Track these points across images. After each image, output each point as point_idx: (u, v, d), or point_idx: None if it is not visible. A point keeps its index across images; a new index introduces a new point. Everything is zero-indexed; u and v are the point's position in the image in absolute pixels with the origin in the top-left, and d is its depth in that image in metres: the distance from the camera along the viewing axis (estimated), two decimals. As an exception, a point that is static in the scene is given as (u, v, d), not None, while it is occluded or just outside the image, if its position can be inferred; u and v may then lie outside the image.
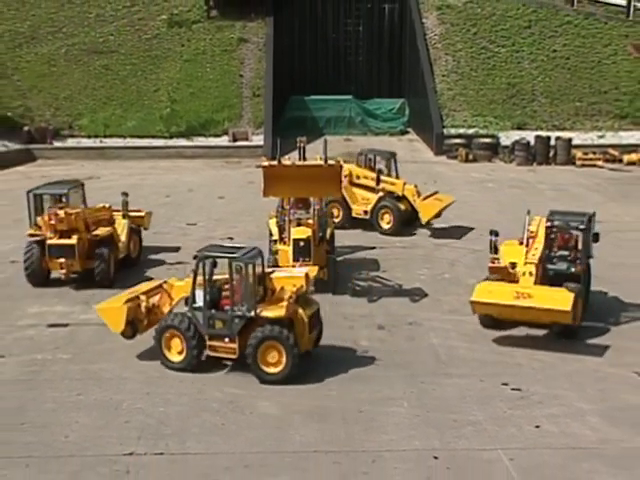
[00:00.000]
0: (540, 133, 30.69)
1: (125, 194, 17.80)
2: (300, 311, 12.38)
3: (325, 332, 14.39)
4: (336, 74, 36.69)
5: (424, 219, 20.39)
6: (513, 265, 14.14)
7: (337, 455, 10.41)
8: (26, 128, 30.83)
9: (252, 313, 12.14)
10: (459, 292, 15.90)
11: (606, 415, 11.44)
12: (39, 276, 16.37)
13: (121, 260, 17.25)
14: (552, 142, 29.99)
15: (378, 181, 20.45)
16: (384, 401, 11.79)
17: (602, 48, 34.69)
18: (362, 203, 20.83)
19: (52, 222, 16.04)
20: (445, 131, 31.28)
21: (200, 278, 12.39)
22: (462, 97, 33.19)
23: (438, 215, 20.65)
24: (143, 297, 13.13)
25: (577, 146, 30.16)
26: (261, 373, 12.22)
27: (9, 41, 35.10)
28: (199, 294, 12.42)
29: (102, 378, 12.53)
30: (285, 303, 12.18)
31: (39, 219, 16.60)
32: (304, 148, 17.40)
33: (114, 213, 17.90)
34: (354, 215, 20.91)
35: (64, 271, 16.29)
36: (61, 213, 16.03)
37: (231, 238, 20.27)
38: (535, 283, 13.88)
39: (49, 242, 16.15)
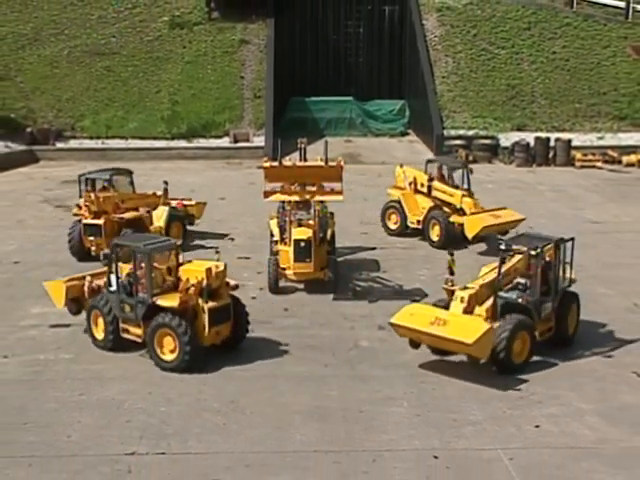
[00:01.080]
0: (540, 134, 30.78)
1: (165, 182, 19.26)
2: (200, 303, 12.61)
3: (326, 332, 14.46)
4: (336, 76, 36.78)
5: (469, 234, 18.81)
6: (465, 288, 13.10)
7: (337, 455, 10.47)
8: (29, 129, 30.94)
9: (150, 301, 12.70)
10: (459, 293, 15.93)
11: (605, 415, 11.50)
12: (80, 252, 18.05)
13: None
14: (552, 143, 30.08)
15: (429, 190, 19.74)
16: (384, 401, 11.85)
17: (601, 50, 34.78)
18: (419, 212, 19.84)
19: (86, 204, 18.00)
20: (445, 132, 31.36)
21: (121, 264, 13.16)
22: (462, 98, 33.27)
23: (501, 232, 18.68)
24: (89, 278, 13.87)
25: (576, 147, 30.25)
26: (158, 360, 12.66)
27: (12, 43, 35.22)
28: (114, 279, 13.21)
29: (104, 378, 12.59)
30: (180, 294, 12.57)
31: (81, 201, 18.41)
32: (305, 149, 17.48)
33: (170, 201, 19.42)
34: (408, 223, 20.10)
35: (94, 248, 17.78)
36: (92, 196, 17.86)
37: (232, 239, 20.37)
38: (485, 312, 12.72)
39: (83, 221, 18.01)
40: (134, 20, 36.55)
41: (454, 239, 19.10)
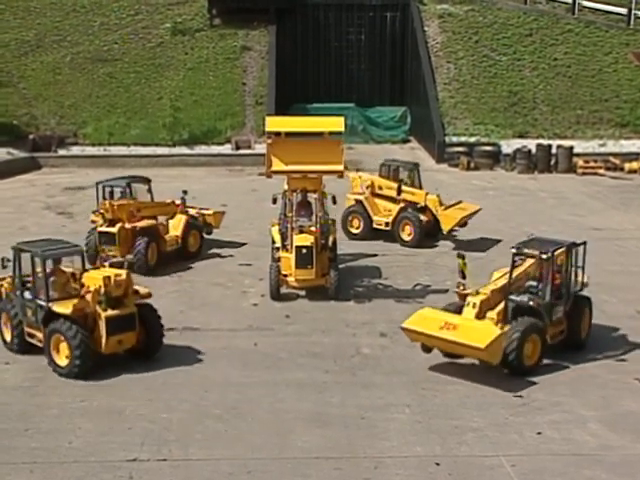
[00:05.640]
0: (541, 141, 30.79)
1: (184, 192, 19.30)
2: (99, 311, 12.64)
3: (327, 339, 14.45)
4: (338, 82, 36.86)
5: (445, 228, 19.97)
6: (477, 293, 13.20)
7: (339, 461, 10.46)
8: (31, 136, 31.01)
9: (46, 306, 12.81)
10: (461, 299, 15.93)
11: (607, 422, 11.48)
12: (94, 259, 17.73)
13: (174, 252, 18.60)
14: (553, 150, 30.09)
15: (399, 191, 20.16)
16: (386, 407, 11.84)
17: (603, 56, 34.81)
18: (384, 214, 20.48)
19: (101, 211, 18.13)
20: (447, 139, 31.38)
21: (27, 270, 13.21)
22: (463, 105, 33.31)
23: (463, 224, 20.25)
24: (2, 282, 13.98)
25: (578, 154, 30.23)
26: (54, 365, 12.75)
27: (15, 49, 35.34)
28: (18, 283, 13.43)
29: (105, 384, 12.59)
30: (75, 300, 12.65)
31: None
32: None
33: (189, 209, 19.50)
34: (375, 226, 20.51)
35: (106, 255, 17.66)
36: (107, 204, 17.94)
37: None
38: (497, 316, 12.83)
39: (98, 229, 18.02)
40: (136, 27, 36.67)
41: (424, 237, 19.97)
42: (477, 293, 13.15)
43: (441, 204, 20.25)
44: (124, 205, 18.15)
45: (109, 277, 12.75)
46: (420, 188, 20.80)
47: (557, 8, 36.92)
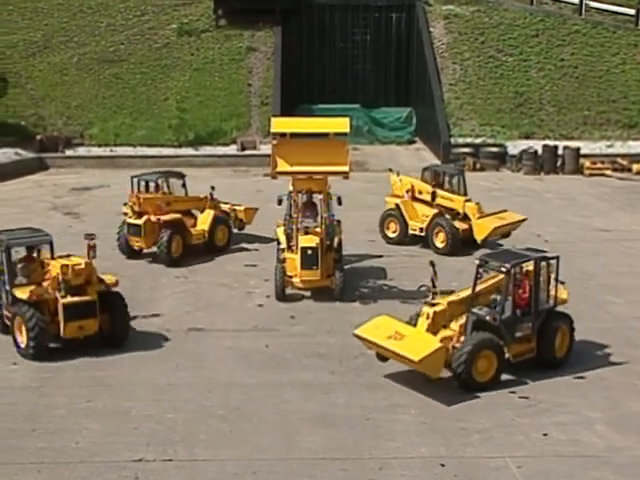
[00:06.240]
0: (547, 142, 30.71)
1: (212, 188, 19.81)
2: (58, 297, 13.35)
3: (332, 340, 14.45)
4: (343, 83, 36.83)
5: (478, 238, 19.12)
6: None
7: (344, 462, 10.46)
8: (39, 137, 31.14)
9: (10, 291, 13.67)
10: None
11: (614, 423, 11.45)
12: (126, 250, 18.93)
13: (201, 246, 19.20)
14: (560, 151, 30.00)
15: (433, 197, 19.59)
16: (391, 408, 11.83)
17: (610, 57, 34.68)
18: (421, 219, 19.80)
19: (130, 204, 18.88)
20: (452, 140, 31.32)
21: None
22: (469, 106, 33.26)
23: (505, 235, 19.51)
24: None
25: (585, 155, 30.13)
26: (16, 345, 13.53)
27: (23, 50, 35.46)
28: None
29: (112, 385, 12.64)
30: (33, 287, 13.45)
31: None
32: None
33: (222, 205, 20.11)
34: (410, 231, 19.94)
35: (138, 245, 18.79)
36: (135, 197, 18.74)
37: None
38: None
39: (127, 220, 18.85)
40: (142, 27, 36.76)
41: (459, 245, 19.19)
42: (432, 305, 12.75)
43: (480, 212, 19.52)
44: (150, 198, 18.88)
45: (67, 266, 13.45)
46: (464, 194, 19.98)
47: (564, 9, 36.79)
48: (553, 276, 13.05)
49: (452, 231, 19.28)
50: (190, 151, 31.35)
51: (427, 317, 12.59)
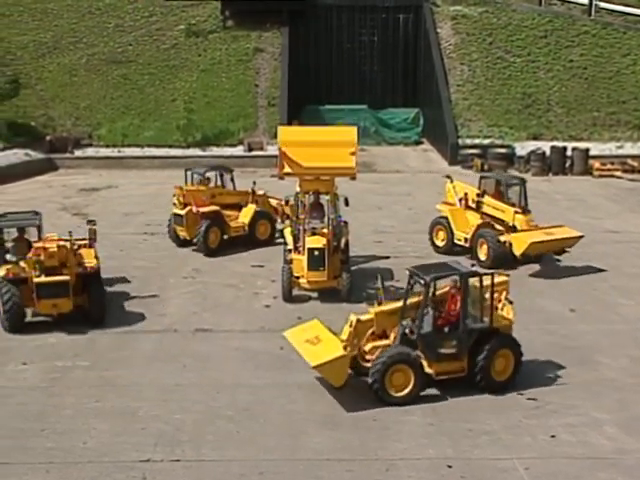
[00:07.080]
0: (556, 143, 30.59)
1: (254, 183, 20.66)
2: (31, 275, 14.38)
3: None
4: (351, 84, 36.82)
5: (516, 252, 17.77)
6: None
7: (351, 463, 10.46)
8: (48, 137, 31.29)
9: None
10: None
11: (624, 425, 11.39)
12: (175, 238, 20.02)
13: (240, 238, 19.98)
14: (568, 152, 29.88)
15: (478, 206, 18.89)
16: (398, 410, 11.81)
17: (620, 58, 34.51)
18: (467, 230, 18.86)
19: (176, 196, 19.91)
20: (460, 141, 31.25)
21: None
22: (477, 107, 33.17)
23: (559, 252, 18.31)
24: None
25: (595, 156, 29.99)
26: None
27: (33, 51, 35.63)
28: None
29: (119, 385, 12.68)
30: (9, 265, 14.65)
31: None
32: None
33: (271, 200, 20.96)
34: (455, 241, 19.05)
35: (183, 234, 19.76)
36: (179, 190, 19.84)
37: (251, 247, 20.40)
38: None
39: (174, 211, 19.93)
40: (150, 28, 36.87)
41: (504, 259, 17.93)
42: (362, 314, 12.51)
43: (530, 225, 18.35)
44: (193, 191, 19.96)
45: (43, 248, 14.45)
46: (524, 205, 18.76)
47: (573, 10, 36.66)
48: (504, 295, 12.57)
49: (495, 244, 18.10)
50: (197, 152, 31.37)
51: (350, 325, 12.35)
